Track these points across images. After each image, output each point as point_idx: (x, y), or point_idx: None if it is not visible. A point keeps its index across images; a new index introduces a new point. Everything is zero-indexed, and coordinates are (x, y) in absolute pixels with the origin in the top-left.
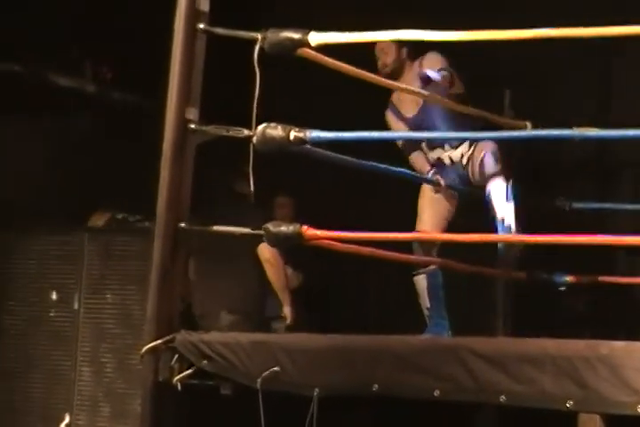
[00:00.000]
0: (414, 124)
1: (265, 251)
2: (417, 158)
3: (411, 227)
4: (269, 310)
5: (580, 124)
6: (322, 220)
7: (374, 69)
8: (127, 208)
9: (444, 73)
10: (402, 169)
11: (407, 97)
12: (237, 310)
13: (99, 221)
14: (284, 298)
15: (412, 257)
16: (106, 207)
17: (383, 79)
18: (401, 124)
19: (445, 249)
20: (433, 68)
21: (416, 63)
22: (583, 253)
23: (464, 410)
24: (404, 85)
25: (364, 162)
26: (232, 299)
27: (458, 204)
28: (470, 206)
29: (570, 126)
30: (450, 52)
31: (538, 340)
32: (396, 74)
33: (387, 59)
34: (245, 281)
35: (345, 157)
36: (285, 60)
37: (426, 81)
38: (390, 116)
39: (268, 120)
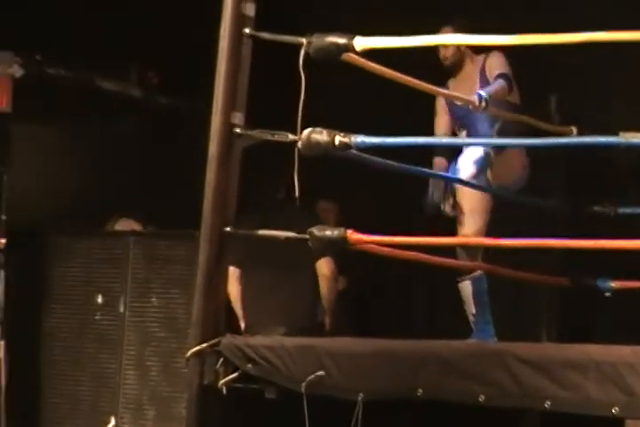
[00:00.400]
0: (457, 117)
1: (324, 266)
2: None
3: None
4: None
5: (626, 130)
6: (365, 224)
7: (416, 74)
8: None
9: (502, 84)
10: (446, 174)
11: (464, 86)
12: (290, 325)
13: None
14: (329, 309)
15: (456, 262)
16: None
17: (426, 84)
18: (443, 114)
19: (489, 254)
20: (496, 70)
21: (479, 58)
22: (628, 259)
23: (508, 415)
24: (446, 92)
25: (409, 167)
26: (287, 313)
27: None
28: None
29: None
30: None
31: (582, 345)
32: (456, 66)
33: (446, 52)
34: (302, 295)
35: (390, 161)
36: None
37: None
38: (439, 102)
39: (306, 125)
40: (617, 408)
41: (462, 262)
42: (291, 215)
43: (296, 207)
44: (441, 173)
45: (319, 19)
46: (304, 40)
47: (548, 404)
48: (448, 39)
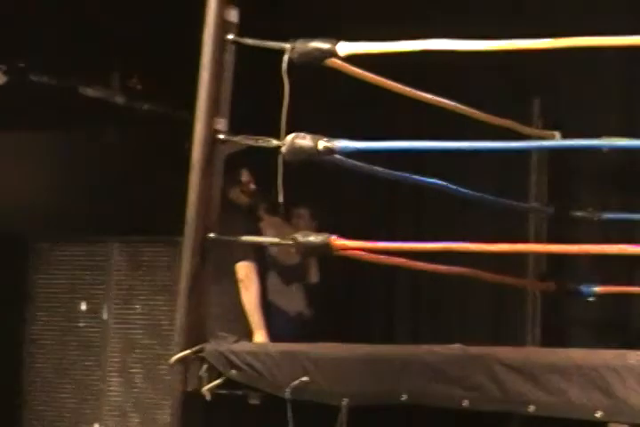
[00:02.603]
0: None
1: (240, 271)
2: None
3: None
4: None
5: (610, 134)
6: (352, 231)
7: (399, 78)
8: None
9: None
10: (432, 180)
11: None
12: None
13: None
14: (255, 322)
15: (441, 267)
16: None
17: (410, 89)
18: None
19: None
20: None
21: None
22: (610, 264)
23: (492, 420)
24: (430, 96)
25: (393, 172)
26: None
27: None
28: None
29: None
30: (477, 61)
31: (565, 350)
32: None
33: None
34: (224, 301)
35: (374, 167)
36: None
37: None
38: None
39: (291, 131)
40: (600, 412)
41: (447, 268)
42: (235, 219)
43: (241, 211)
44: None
45: (305, 25)
46: (287, 46)
47: (531, 408)
48: (433, 45)
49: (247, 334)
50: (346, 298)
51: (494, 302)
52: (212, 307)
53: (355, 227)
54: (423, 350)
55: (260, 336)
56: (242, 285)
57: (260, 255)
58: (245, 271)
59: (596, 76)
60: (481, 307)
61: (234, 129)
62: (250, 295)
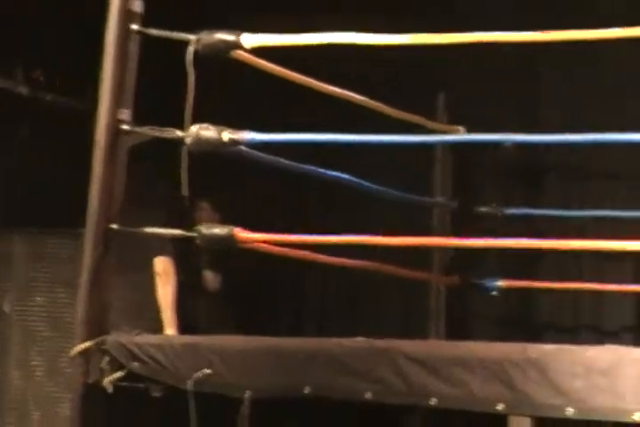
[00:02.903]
0: None
1: (158, 264)
2: None
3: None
4: None
5: (513, 130)
6: (257, 224)
7: (307, 71)
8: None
9: None
10: (337, 174)
11: None
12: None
13: None
14: (167, 319)
15: (345, 261)
16: None
17: (317, 82)
18: None
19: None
20: None
21: None
22: (513, 258)
23: (397, 413)
24: (338, 90)
25: (298, 165)
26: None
27: None
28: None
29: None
30: (382, 55)
31: (467, 343)
32: None
33: None
34: (138, 294)
35: (280, 159)
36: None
37: None
38: None
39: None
40: (502, 405)
41: (352, 261)
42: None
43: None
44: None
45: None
46: (193, 37)
47: (433, 401)
48: (338, 38)
49: (158, 330)
50: (255, 293)
51: (399, 296)
52: (118, 300)
53: (260, 220)
54: (327, 343)
55: (171, 333)
56: (159, 279)
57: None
58: (163, 266)
59: (501, 72)
60: (386, 301)
61: (139, 120)
62: (165, 291)
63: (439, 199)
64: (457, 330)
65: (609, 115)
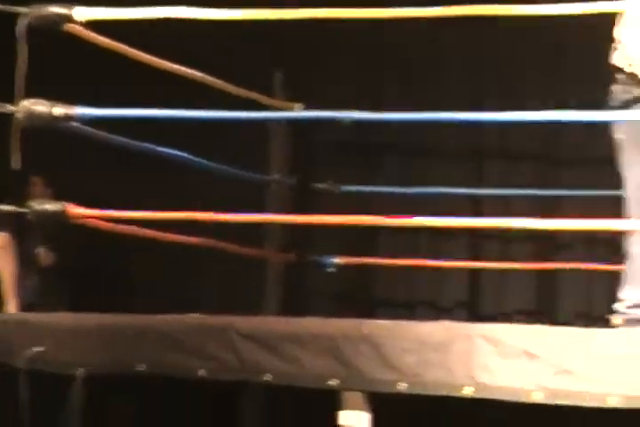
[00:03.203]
0: None
1: None
2: None
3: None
4: None
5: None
6: (94, 200)
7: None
8: None
9: None
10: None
11: None
12: None
13: None
14: (7, 292)
15: (179, 237)
16: None
17: (153, 58)
18: None
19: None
20: None
21: None
22: (351, 235)
23: (233, 390)
24: (176, 66)
25: (132, 142)
26: None
27: None
28: None
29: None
30: (219, 32)
31: (301, 319)
32: None
33: None
34: None
35: (113, 136)
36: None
37: None
38: None
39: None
40: (334, 381)
41: (187, 238)
42: None
43: None
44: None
45: None
46: (24, 9)
47: (267, 377)
48: (173, 13)
49: None
50: (88, 269)
51: (235, 273)
52: None
53: (95, 197)
54: (158, 319)
55: (11, 307)
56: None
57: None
58: (1, 241)
59: (341, 49)
60: (222, 277)
61: None
62: (4, 266)
63: (276, 176)
64: (294, 307)
65: (449, 92)
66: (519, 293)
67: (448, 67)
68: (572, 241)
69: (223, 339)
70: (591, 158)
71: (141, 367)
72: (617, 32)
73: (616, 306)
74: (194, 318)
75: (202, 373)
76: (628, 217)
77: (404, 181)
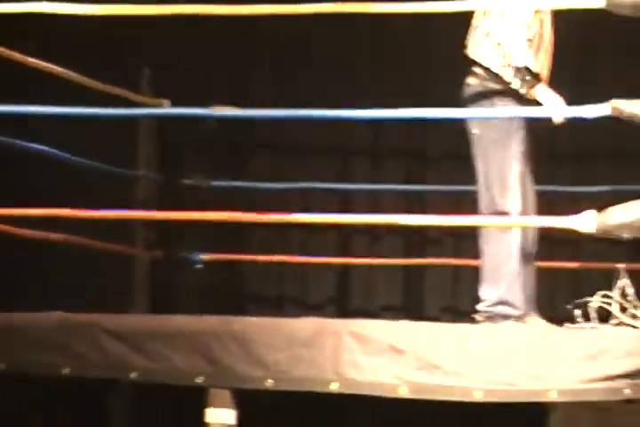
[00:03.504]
0: None
1: None
2: None
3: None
4: None
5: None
6: None
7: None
8: None
9: None
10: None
11: None
12: None
13: None
14: None
15: (47, 234)
16: None
17: (20, 55)
18: None
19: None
20: None
21: None
22: (221, 232)
23: (100, 389)
24: (43, 63)
25: None
26: None
27: None
28: None
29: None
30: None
31: (169, 316)
32: None
33: None
34: None
35: None
36: None
37: None
38: None
39: None
40: (202, 378)
41: (53, 235)
42: None
43: None
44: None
45: None
46: None
47: (134, 375)
48: (37, 7)
49: None
50: None
51: (103, 270)
52: None
53: None
54: (19, 317)
55: None
56: None
57: None
58: None
59: (208, 46)
60: (89, 275)
61: None
62: None
63: (143, 172)
64: (162, 304)
65: (317, 91)
66: (387, 289)
67: (316, 65)
68: (439, 237)
69: (89, 337)
70: (459, 154)
71: (2, 367)
72: (482, 27)
73: (478, 306)
74: (57, 315)
75: (66, 371)
76: (480, 212)
77: (274, 177)
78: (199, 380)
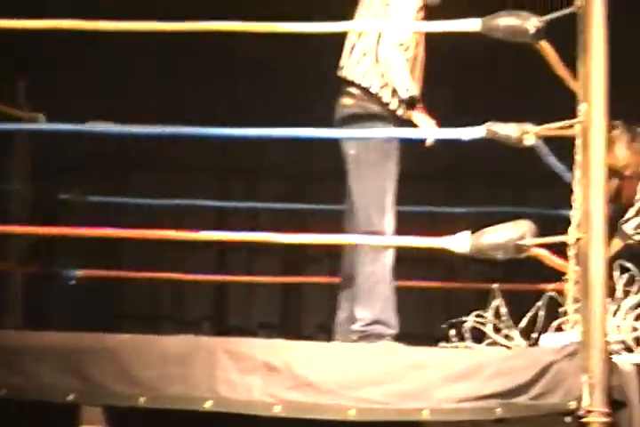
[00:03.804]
0: None
1: None
2: None
3: None
4: None
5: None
6: None
7: None
8: None
9: None
10: None
11: None
12: None
13: None
14: None
15: None
16: None
17: None
18: None
19: None
20: None
21: None
22: (96, 247)
23: None
24: None
25: None
26: None
27: None
28: None
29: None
30: None
31: (41, 333)
32: None
33: None
34: None
35: None
36: None
37: None
38: None
39: None
40: (73, 395)
41: None
42: None
43: None
44: None
45: None
46: None
47: (3, 392)
48: None
49: None
50: None
51: None
52: None
53: None
54: None
55: None
56: None
57: None
58: None
59: (89, 61)
60: None
61: None
62: None
63: (17, 186)
64: (36, 320)
65: (197, 106)
66: (265, 306)
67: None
68: (317, 255)
69: None
70: (339, 173)
71: None
72: (359, 48)
73: (353, 326)
74: None
75: None
76: (354, 231)
77: (152, 194)
78: (70, 397)
